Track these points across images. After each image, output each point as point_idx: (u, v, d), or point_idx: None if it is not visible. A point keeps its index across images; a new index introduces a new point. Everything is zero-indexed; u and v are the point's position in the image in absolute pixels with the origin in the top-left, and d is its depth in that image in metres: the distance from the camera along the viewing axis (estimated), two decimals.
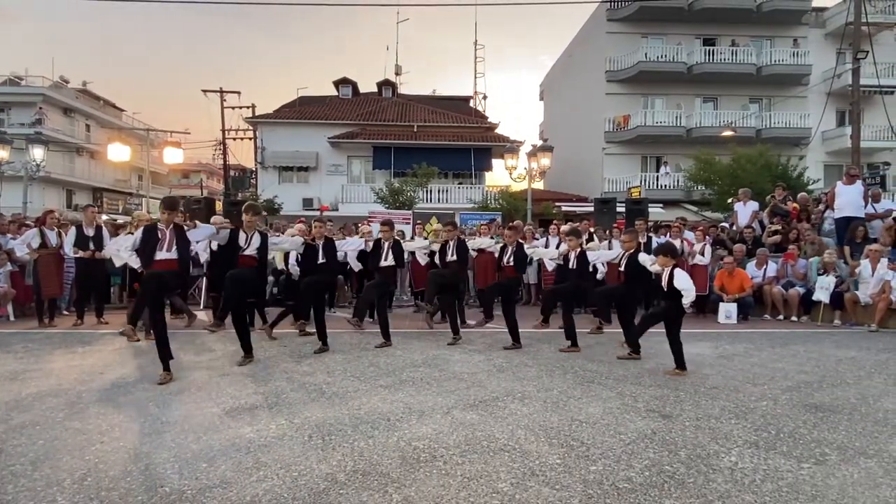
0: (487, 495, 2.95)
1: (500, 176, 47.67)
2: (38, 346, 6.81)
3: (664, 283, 5.83)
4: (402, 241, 7.99)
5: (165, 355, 5.26)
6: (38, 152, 16.94)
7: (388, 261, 7.14)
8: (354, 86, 32.58)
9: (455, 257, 7.48)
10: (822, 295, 9.05)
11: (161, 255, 5.21)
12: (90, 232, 8.40)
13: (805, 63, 25.78)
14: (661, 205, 21.54)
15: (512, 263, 7.08)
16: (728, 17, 25.78)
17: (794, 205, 11.79)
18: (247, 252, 5.90)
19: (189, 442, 3.70)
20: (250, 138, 27.93)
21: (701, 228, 10.40)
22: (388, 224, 7.42)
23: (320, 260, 6.72)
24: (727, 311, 9.20)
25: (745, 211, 11.68)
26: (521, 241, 7.45)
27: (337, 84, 32.28)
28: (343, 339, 7.24)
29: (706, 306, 9.78)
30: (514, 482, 3.10)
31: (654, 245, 9.89)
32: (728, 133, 21.59)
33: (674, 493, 2.99)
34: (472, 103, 35.05)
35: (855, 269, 9.02)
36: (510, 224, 7.70)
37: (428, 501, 2.89)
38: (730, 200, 14.94)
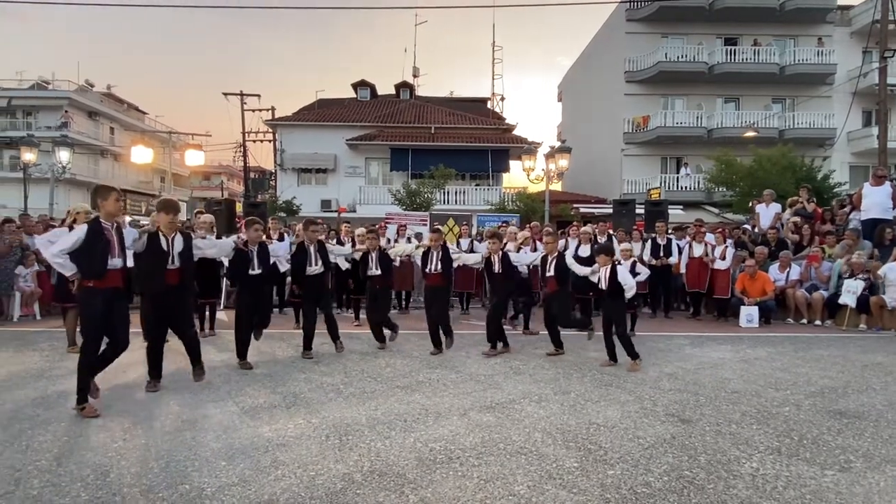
0: (504, 498, 2.94)
1: (518, 177, 47.52)
2: (63, 344, 6.94)
3: (605, 281, 6.09)
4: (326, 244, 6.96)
5: (85, 385, 4.27)
6: (64, 155, 17.33)
7: (316, 266, 6.37)
8: (372, 88, 32.79)
9: (378, 270, 6.89)
10: (848, 298, 8.84)
11: (116, 262, 4.32)
12: None
13: (830, 62, 25.28)
14: (681, 206, 21.27)
15: (439, 270, 6.69)
16: (750, 16, 25.40)
17: (816, 206, 11.55)
18: (175, 265, 4.86)
19: (209, 440, 3.75)
20: (270, 140, 28.24)
21: (720, 231, 10.24)
22: (311, 223, 6.58)
23: (256, 270, 5.86)
24: (748, 314, 9.05)
25: (767, 213, 11.49)
26: (446, 245, 7.03)
27: (355, 86, 32.52)
28: (361, 340, 7.27)
29: (727, 310, 9.63)
30: (530, 485, 3.09)
31: (675, 247, 9.82)
32: (750, 134, 21.25)
33: (693, 498, 2.95)
34: (489, 105, 35.03)
35: (876, 271, 8.80)
36: (434, 227, 7.25)
37: (444, 503, 2.89)
38: (749, 204, 14.68)
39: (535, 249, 8.32)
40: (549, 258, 6.59)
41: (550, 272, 6.54)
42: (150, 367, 5.05)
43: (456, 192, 25.67)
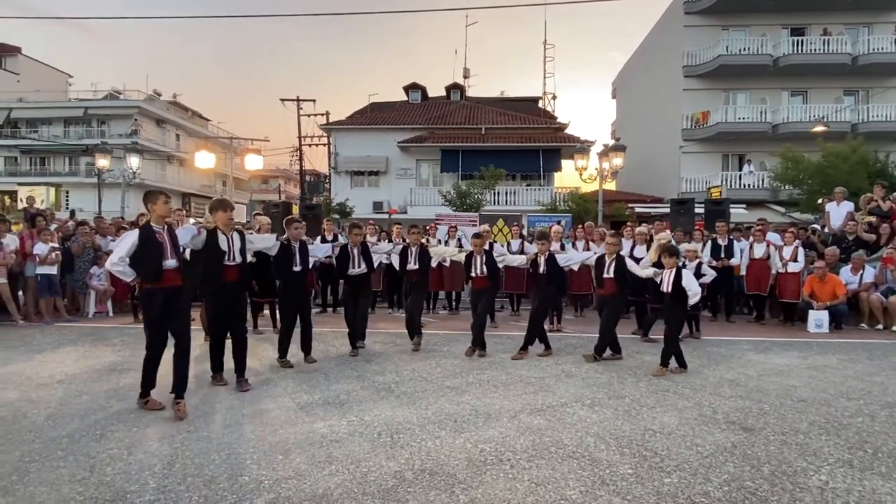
0: (555, 502, 2.90)
1: (570, 177, 46.82)
2: (133, 339, 7.34)
3: (668, 284, 5.82)
4: (371, 245, 7.07)
5: (149, 382, 4.50)
6: (134, 161, 18.30)
7: (359, 268, 6.53)
8: (423, 90, 33.07)
9: (416, 265, 6.89)
10: None
11: (170, 263, 4.43)
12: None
13: None
14: (744, 205, 20.34)
15: (484, 273, 6.65)
16: (819, 4, 24.01)
17: (893, 204, 10.77)
18: (234, 261, 5.06)
19: (266, 434, 3.87)
20: (324, 144, 28.98)
21: (791, 231, 9.71)
22: (355, 226, 6.71)
23: (297, 266, 6.00)
24: (817, 319, 8.55)
25: (838, 212, 10.82)
26: (488, 248, 6.95)
27: (406, 89, 32.90)
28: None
29: (794, 314, 9.15)
30: (583, 490, 3.04)
31: (736, 248, 9.41)
32: (820, 128, 20.07)
33: None
34: (541, 104, 34.65)
35: None
36: (475, 233, 7.14)
37: None
38: (819, 201, 13.85)
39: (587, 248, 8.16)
40: (608, 259, 6.39)
41: (609, 274, 6.33)
42: (213, 362, 5.29)
43: (506, 193, 25.52)
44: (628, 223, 12.24)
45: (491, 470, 3.29)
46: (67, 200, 34.13)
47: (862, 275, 9.14)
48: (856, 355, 6.78)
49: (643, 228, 9.67)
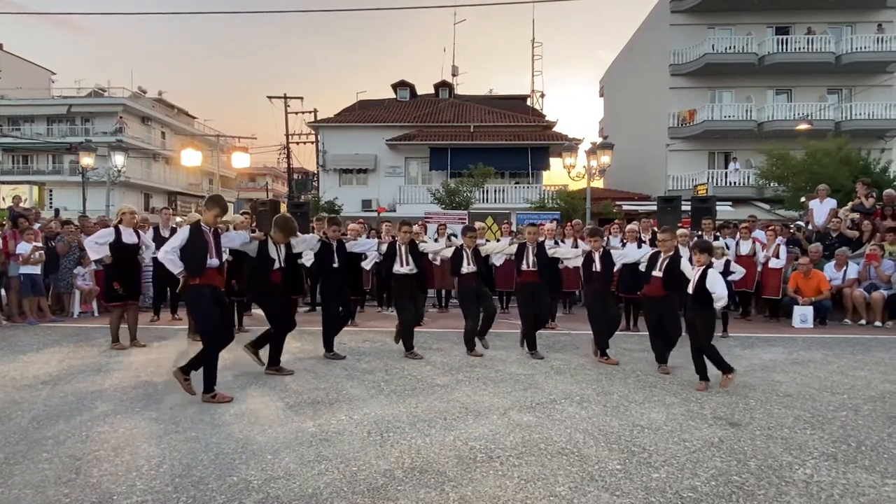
0: (545, 498, 2.92)
1: (559, 175, 46.97)
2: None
3: (693, 285, 5.23)
4: (418, 243, 7.04)
5: (213, 376, 4.68)
6: (119, 159, 18.10)
7: (407, 266, 6.56)
8: (412, 88, 33.00)
9: (474, 267, 6.64)
10: None
11: (213, 262, 4.86)
12: (166, 233, 8.86)
13: (890, 49, 23.93)
14: (729, 203, 20.56)
15: (535, 268, 6.48)
16: (803, 3, 24.31)
17: (873, 199, 10.94)
18: (281, 265, 5.60)
19: (255, 434, 3.85)
20: (312, 142, 28.81)
21: (772, 228, 9.82)
22: (405, 223, 6.87)
23: (336, 263, 6.30)
24: (802, 314, 8.67)
25: (821, 209, 10.97)
26: (540, 242, 6.71)
27: (395, 87, 32.81)
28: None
29: (779, 310, 9.27)
30: (572, 486, 3.05)
31: (722, 245, 9.47)
32: (804, 126, 20.29)
33: None
34: (529, 102, 34.73)
35: None
36: (531, 222, 6.96)
37: (484, 502, 2.89)
38: (802, 199, 14.03)
39: (575, 246, 8.17)
40: (663, 256, 5.84)
41: (658, 272, 5.81)
42: (272, 354, 5.61)
43: (495, 191, 25.59)
44: (615, 220, 12.30)
45: (481, 467, 3.30)
46: (51, 199, 33.69)
47: (846, 271, 9.29)
48: (839, 350, 6.88)
49: (634, 226, 9.70)
